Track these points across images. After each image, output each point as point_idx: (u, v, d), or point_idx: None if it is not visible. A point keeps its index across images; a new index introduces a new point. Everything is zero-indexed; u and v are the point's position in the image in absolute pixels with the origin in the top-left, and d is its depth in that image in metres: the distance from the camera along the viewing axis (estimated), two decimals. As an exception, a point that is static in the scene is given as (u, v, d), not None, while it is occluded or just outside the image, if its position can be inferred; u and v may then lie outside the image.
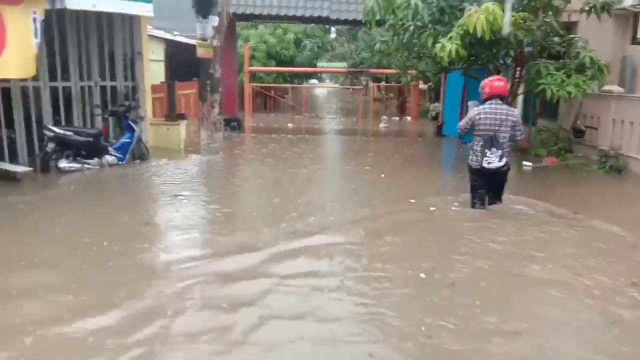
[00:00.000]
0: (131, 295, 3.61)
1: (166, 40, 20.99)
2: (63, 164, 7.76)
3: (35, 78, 8.13)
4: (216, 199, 6.67)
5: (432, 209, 6.05)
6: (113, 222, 5.37)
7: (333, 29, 24.85)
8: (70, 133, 7.82)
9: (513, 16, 7.33)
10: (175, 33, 21.93)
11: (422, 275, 4.10)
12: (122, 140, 8.57)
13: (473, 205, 6.14)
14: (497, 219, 5.79)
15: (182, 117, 10.51)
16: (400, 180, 8.02)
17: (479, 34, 6.94)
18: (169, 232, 5.14)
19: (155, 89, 15.02)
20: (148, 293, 3.67)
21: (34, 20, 6.68)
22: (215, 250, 4.54)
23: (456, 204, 6.29)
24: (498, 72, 9.78)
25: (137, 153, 8.92)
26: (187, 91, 17.78)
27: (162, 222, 5.47)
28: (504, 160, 5.95)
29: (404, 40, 9.59)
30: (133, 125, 8.66)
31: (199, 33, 10.59)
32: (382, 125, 15.87)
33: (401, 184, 7.62)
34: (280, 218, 5.53)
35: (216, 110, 11.83)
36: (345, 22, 13.97)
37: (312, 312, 3.47)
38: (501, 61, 9.77)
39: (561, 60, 8.68)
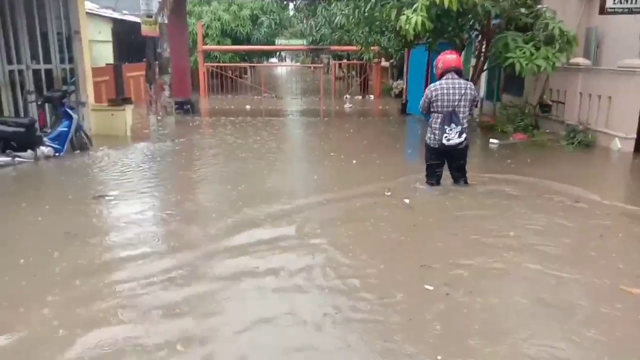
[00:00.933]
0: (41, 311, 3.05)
1: (114, 20, 19.80)
2: (-11, 158, 6.89)
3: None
4: (160, 195, 5.86)
5: (406, 200, 5.48)
6: (31, 230, 4.60)
7: (291, 4, 23.92)
8: (-4, 123, 6.93)
9: (481, -15, 6.86)
10: (124, 12, 20.64)
11: (429, 287, 3.42)
12: (59, 129, 7.71)
13: (428, 183, 6.03)
14: (478, 204, 5.41)
15: (127, 101, 9.67)
16: (368, 166, 7.31)
17: (445, 4, 6.44)
18: (91, 242, 4.24)
19: (100, 71, 14.00)
20: (61, 312, 3.07)
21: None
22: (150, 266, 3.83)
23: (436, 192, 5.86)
24: (463, 47, 9.37)
25: (77, 143, 8.09)
26: (136, 73, 16.74)
27: (87, 230, 4.50)
28: (464, 136, 5.76)
29: (365, 14, 9.04)
30: (70, 112, 7.81)
31: (143, 9, 9.73)
32: (346, 105, 15.18)
33: (370, 171, 6.92)
34: (230, 217, 4.85)
35: (166, 92, 11.07)
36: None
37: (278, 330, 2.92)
38: (466, 35, 9.31)
39: (529, 33, 8.28)
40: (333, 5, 20.15)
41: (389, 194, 5.67)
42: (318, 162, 7.77)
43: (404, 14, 7.23)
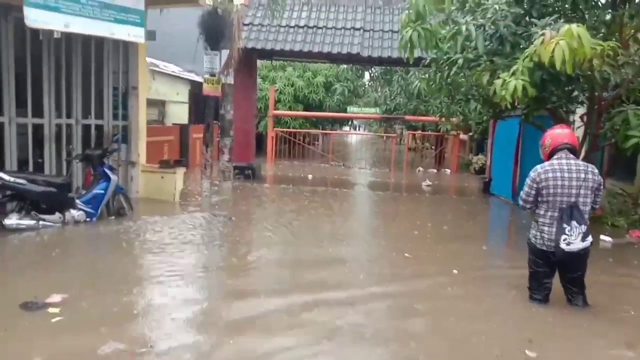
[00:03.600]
0: None
1: (192, 82, 20.06)
2: (11, 220, 6.09)
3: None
4: (184, 295, 4.42)
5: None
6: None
7: (366, 73, 23.44)
8: (23, 181, 6.16)
9: (600, 46, 5.45)
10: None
11: None
12: (94, 191, 6.87)
13: (533, 298, 4.49)
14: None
15: (179, 163, 8.86)
16: (460, 279, 5.27)
17: (558, 66, 5.06)
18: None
19: (164, 131, 13.67)
20: None
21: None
22: None
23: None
24: (568, 121, 7.85)
25: (115, 207, 7.24)
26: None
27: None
28: (589, 239, 4.21)
29: (449, 79, 7.82)
30: (109, 173, 7.00)
31: (207, 67, 9.11)
32: (424, 184, 13.00)
33: (463, 287, 5.07)
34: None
35: (225, 156, 10.24)
36: (379, 60, 12.33)
37: None
38: (573, 106, 7.78)
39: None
40: (411, 74, 19.47)
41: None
42: (386, 268, 5.66)
43: (499, 78, 5.93)
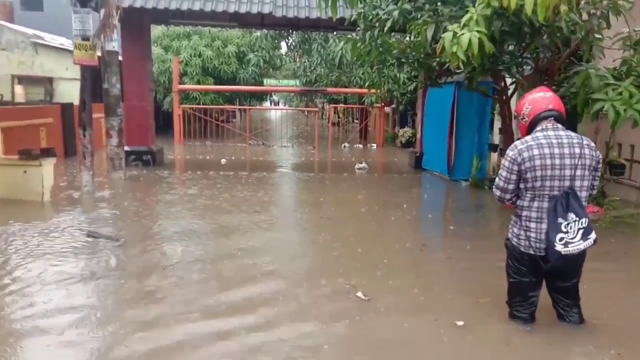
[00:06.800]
0: None
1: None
2: None
3: None
4: None
5: None
6: None
7: (283, 43, 21.75)
8: None
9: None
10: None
11: None
12: None
13: (513, 316, 3.41)
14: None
15: (47, 152, 6.94)
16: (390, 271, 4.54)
17: (528, 11, 3.85)
18: None
19: (39, 112, 11.29)
20: None
21: None
22: None
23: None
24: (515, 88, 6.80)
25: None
26: (98, 115, 14.10)
27: None
28: (592, 235, 3.06)
29: (379, 39, 6.51)
30: None
31: (77, 29, 7.15)
32: (357, 167, 11.00)
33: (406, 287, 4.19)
34: None
35: (114, 140, 8.39)
36: (296, 22, 10.74)
37: None
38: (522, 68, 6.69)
39: (620, 67, 5.74)
40: (330, 42, 18.12)
41: None
42: (319, 273, 4.55)
43: (446, 31, 4.66)
